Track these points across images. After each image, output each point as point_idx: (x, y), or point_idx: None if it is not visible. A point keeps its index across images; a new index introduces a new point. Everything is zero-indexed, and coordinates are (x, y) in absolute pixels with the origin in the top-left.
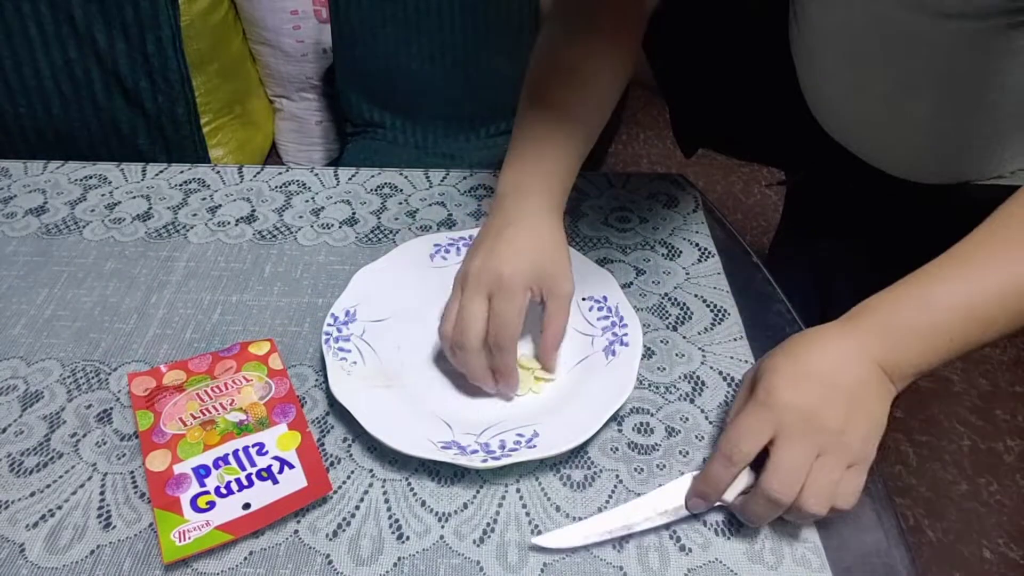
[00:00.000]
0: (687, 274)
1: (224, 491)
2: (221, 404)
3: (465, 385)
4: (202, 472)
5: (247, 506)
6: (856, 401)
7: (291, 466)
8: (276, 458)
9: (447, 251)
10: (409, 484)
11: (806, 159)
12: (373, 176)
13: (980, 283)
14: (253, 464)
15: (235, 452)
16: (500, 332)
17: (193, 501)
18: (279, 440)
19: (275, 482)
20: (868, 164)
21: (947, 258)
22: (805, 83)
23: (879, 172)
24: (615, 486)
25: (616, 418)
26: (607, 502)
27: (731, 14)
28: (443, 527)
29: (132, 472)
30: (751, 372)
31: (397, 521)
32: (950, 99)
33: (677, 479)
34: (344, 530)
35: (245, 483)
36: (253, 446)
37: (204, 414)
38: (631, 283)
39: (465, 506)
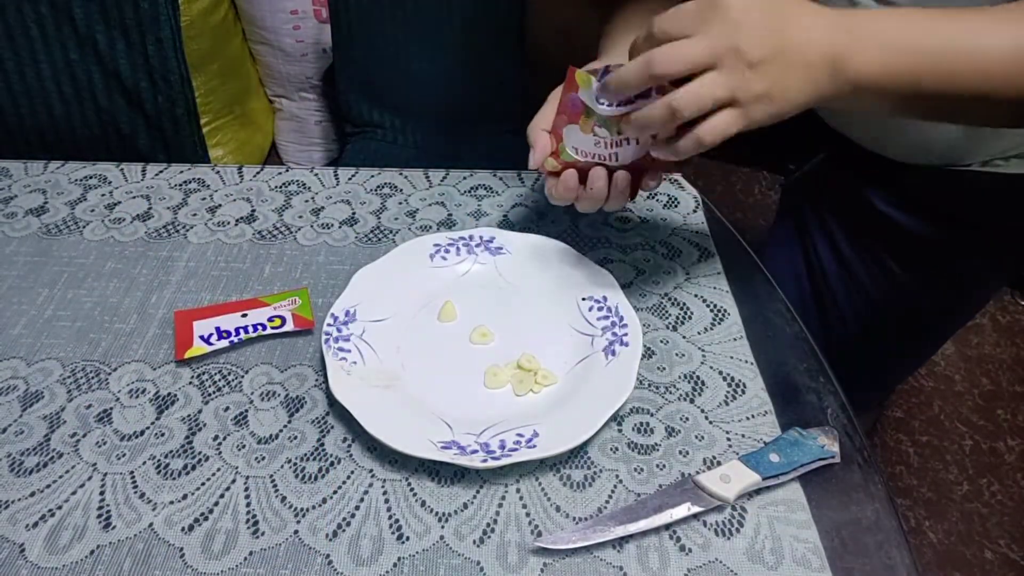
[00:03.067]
0: (687, 274)
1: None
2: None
3: (465, 385)
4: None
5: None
6: (791, 60)
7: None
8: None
9: (447, 251)
10: (409, 484)
11: (802, 153)
12: (373, 176)
13: (970, 37)
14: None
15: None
16: None
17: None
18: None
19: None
20: (868, 150)
21: (951, 10)
22: None
23: (879, 158)
24: (615, 486)
25: (616, 418)
26: (607, 502)
27: None
28: (443, 527)
29: (132, 472)
30: None
31: (397, 521)
32: None
33: (677, 481)
34: (344, 530)
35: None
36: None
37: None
38: (631, 283)
39: (465, 506)
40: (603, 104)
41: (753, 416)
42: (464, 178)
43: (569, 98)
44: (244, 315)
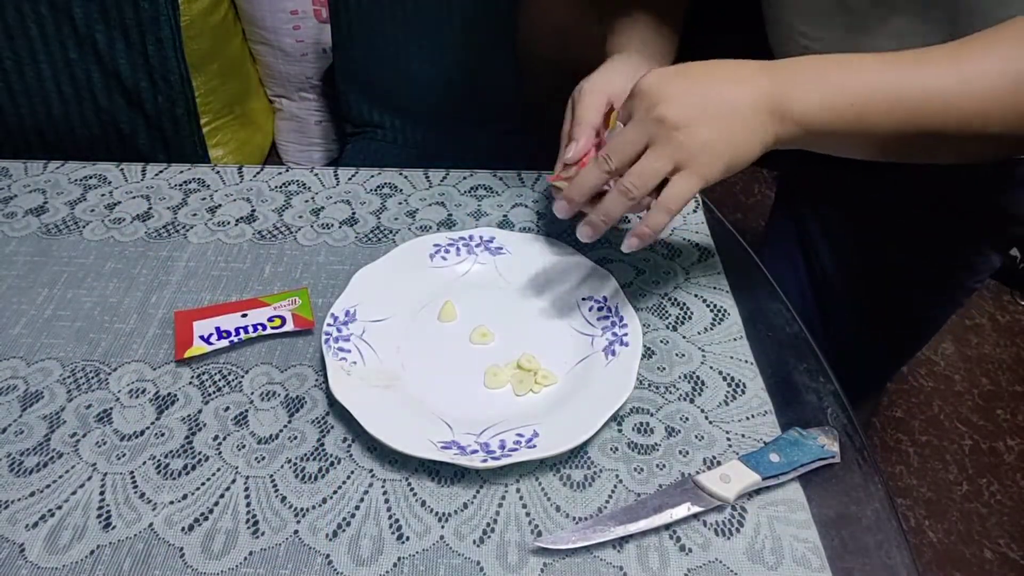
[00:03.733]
0: (687, 274)
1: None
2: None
3: (465, 385)
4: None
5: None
6: (718, 112)
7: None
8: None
9: (447, 251)
10: (409, 484)
11: (793, 153)
12: (373, 176)
13: (905, 72)
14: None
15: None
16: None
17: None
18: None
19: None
20: None
21: (895, 54)
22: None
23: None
24: (615, 486)
25: (616, 418)
26: (607, 502)
27: (712, 19)
28: (443, 527)
29: (132, 472)
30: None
31: (397, 521)
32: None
33: (677, 481)
34: (344, 530)
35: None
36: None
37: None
38: (631, 283)
39: (465, 506)
40: None
41: (753, 416)
42: (464, 178)
43: (601, 135)
44: (244, 315)
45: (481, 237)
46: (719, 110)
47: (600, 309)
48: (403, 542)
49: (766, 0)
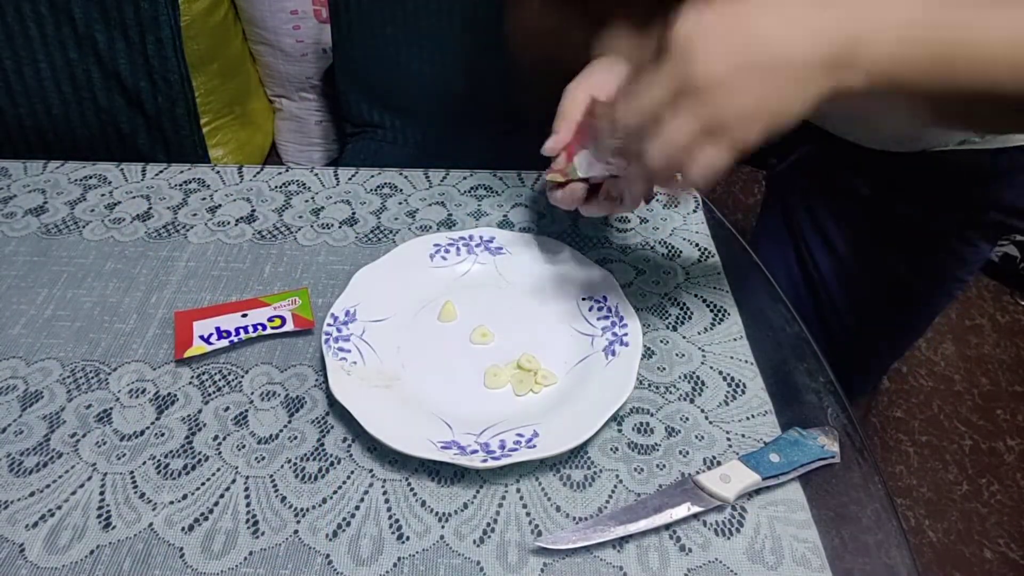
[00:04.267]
0: (687, 274)
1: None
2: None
3: (465, 385)
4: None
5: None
6: (764, 75)
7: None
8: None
9: (447, 251)
10: (409, 484)
11: (784, 147)
12: (373, 176)
13: (987, 20)
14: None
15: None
16: None
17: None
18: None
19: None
20: (845, 140)
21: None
22: None
23: (858, 147)
24: (615, 486)
25: (616, 418)
26: (607, 502)
27: None
28: (443, 527)
29: (132, 472)
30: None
31: (397, 521)
32: None
33: (677, 481)
34: (344, 530)
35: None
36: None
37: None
38: (631, 283)
39: (465, 506)
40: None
41: (753, 416)
42: (464, 178)
43: (588, 123)
44: (244, 315)
45: (481, 237)
46: (767, 72)
47: (600, 309)
48: (403, 542)
49: None
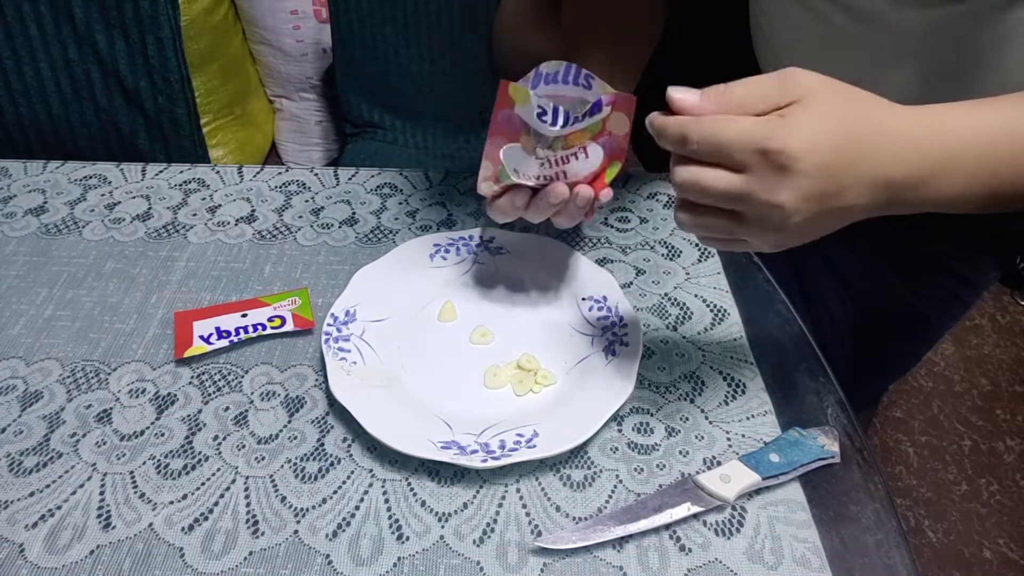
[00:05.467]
0: (687, 274)
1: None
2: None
3: (465, 385)
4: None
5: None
6: (827, 210)
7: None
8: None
9: (447, 251)
10: (409, 484)
11: None
12: (373, 176)
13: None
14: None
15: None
16: None
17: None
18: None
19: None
20: None
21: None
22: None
23: None
24: (615, 486)
25: (616, 418)
26: (607, 502)
27: (694, 26)
28: (443, 527)
29: (132, 472)
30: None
31: (397, 521)
32: (919, 86)
33: (677, 481)
34: (344, 530)
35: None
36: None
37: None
38: (631, 283)
39: (465, 506)
40: (546, 121)
41: (753, 416)
42: (464, 178)
43: (504, 116)
44: (244, 315)
45: (481, 237)
46: (830, 210)
47: (600, 309)
48: (403, 542)
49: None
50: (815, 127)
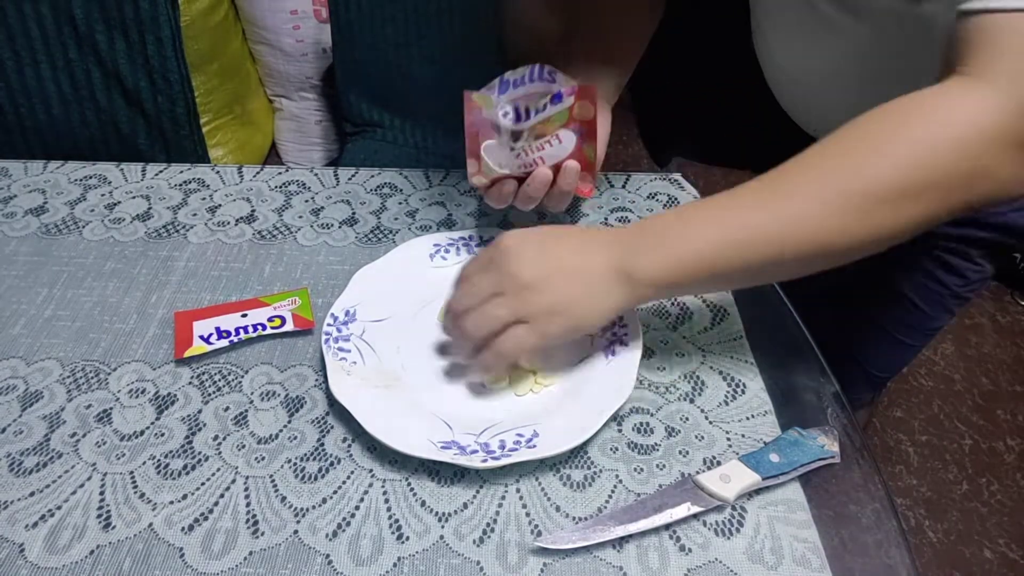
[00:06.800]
0: None
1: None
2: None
3: (465, 385)
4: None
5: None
6: (568, 277)
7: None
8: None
9: (447, 251)
10: (409, 484)
11: (779, 156)
12: (373, 176)
13: (744, 214)
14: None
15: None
16: None
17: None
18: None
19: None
20: None
21: (738, 188)
22: (771, 77)
23: None
24: (615, 486)
25: (616, 418)
26: (607, 502)
27: (696, 22)
28: (443, 527)
29: (132, 472)
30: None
31: (397, 521)
32: (902, 80)
33: (677, 481)
34: (344, 530)
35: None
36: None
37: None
38: None
39: (465, 506)
40: (509, 119)
41: (753, 416)
42: (464, 178)
43: (474, 120)
44: (244, 315)
45: (481, 237)
46: (570, 274)
47: None
48: (403, 542)
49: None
50: (518, 231)
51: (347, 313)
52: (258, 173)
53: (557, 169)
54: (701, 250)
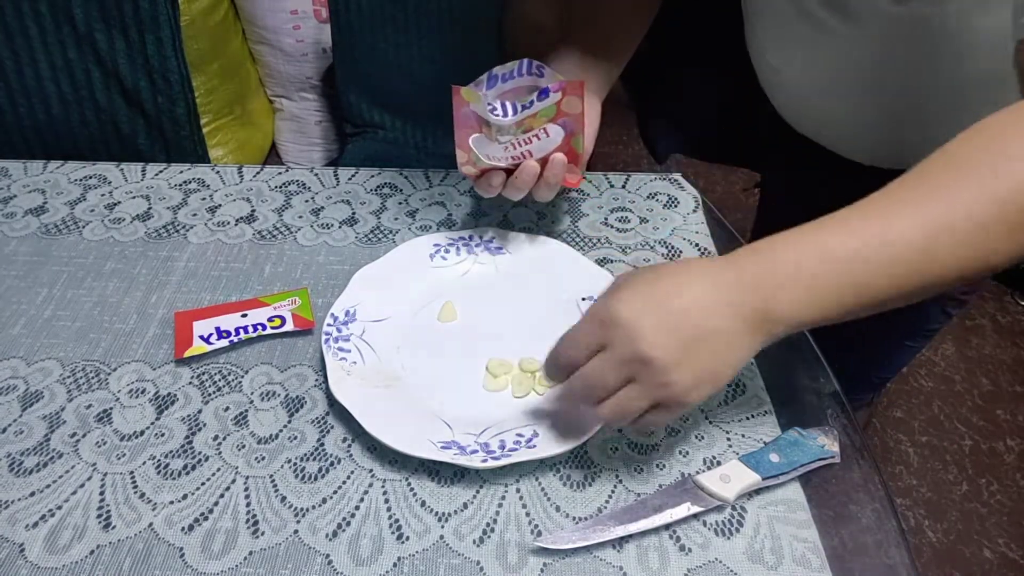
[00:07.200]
0: None
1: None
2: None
3: (465, 385)
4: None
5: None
6: (701, 345)
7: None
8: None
9: (447, 251)
10: (409, 484)
11: (774, 155)
12: (373, 176)
13: (876, 239)
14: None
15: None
16: None
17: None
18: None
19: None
20: (834, 153)
21: (854, 209)
22: (763, 78)
23: (845, 160)
24: (615, 486)
25: None
26: (607, 502)
27: (692, 20)
28: (443, 527)
29: (132, 472)
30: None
31: (397, 521)
32: (892, 83)
33: (677, 482)
34: (344, 530)
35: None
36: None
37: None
38: None
39: (465, 506)
40: (497, 114)
41: (753, 416)
42: (464, 178)
43: (464, 113)
44: (244, 315)
45: (481, 237)
46: (700, 342)
47: None
48: (403, 542)
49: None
50: (625, 293)
51: (347, 313)
52: (258, 173)
53: (545, 161)
54: (843, 280)
